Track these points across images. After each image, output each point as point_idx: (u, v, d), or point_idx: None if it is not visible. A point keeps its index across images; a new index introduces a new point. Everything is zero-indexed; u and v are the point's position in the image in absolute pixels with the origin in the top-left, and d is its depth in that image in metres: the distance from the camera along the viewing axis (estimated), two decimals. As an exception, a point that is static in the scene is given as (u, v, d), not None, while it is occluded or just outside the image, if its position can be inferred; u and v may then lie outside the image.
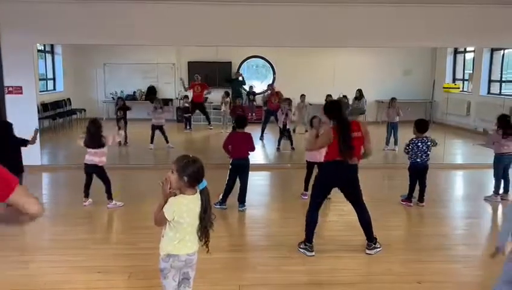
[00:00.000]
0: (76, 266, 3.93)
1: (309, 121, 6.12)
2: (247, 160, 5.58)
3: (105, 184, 5.66)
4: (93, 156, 5.54)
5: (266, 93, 11.88)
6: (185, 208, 2.59)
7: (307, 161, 6.04)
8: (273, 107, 10.97)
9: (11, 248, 4.33)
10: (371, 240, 4.25)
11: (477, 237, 5.00)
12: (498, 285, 2.91)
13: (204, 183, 2.64)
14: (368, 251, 4.22)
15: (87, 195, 5.73)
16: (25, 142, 5.24)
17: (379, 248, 4.25)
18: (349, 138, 3.98)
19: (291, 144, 9.55)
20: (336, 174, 4.13)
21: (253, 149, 5.63)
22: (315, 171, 5.98)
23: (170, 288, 2.71)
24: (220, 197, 5.57)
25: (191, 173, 2.58)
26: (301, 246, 4.26)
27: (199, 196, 2.64)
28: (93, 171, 5.62)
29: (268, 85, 12.44)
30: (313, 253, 4.19)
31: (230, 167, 5.58)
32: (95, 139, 5.49)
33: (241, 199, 5.61)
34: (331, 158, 4.10)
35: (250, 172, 5.64)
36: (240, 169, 5.54)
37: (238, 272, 3.88)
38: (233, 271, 3.90)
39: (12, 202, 1.72)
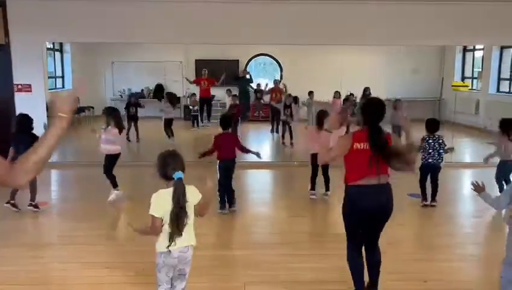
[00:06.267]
0: (84, 262, 3.97)
1: (316, 116, 5.97)
2: (234, 161, 5.43)
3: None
4: (106, 144, 5.72)
5: (267, 90, 12.04)
6: (164, 202, 2.63)
7: (311, 154, 5.84)
8: (275, 101, 11.16)
9: (20, 243, 4.38)
10: (376, 285, 3.35)
11: (484, 236, 4.97)
12: (504, 269, 2.93)
13: (178, 174, 2.60)
14: None
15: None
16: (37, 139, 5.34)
17: None
18: (384, 149, 3.00)
19: (291, 139, 9.73)
20: (364, 198, 3.08)
21: (240, 149, 5.45)
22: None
23: (163, 281, 2.76)
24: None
25: (158, 166, 2.66)
26: None
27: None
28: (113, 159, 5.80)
29: (274, 80, 12.49)
30: None
31: (219, 167, 5.41)
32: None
33: (230, 200, 5.44)
34: (352, 181, 3.10)
35: (255, 170, 5.62)
36: (226, 169, 5.40)
37: (243, 269, 3.90)
38: (238, 268, 3.92)
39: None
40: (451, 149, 5.78)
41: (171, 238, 2.62)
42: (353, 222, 3.21)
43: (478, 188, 3.15)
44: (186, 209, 2.62)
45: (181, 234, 2.62)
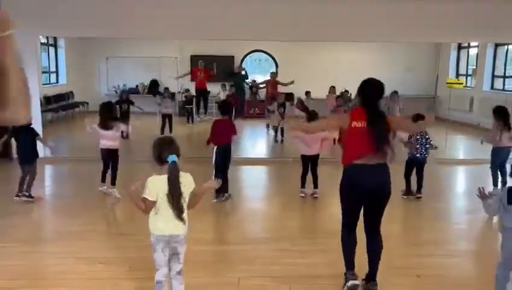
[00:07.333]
0: (78, 257, 3.96)
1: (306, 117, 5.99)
2: (230, 145, 5.54)
3: (113, 170, 5.73)
4: (107, 141, 5.64)
5: (263, 85, 12.12)
6: (157, 187, 2.67)
7: (301, 155, 5.83)
8: (271, 96, 11.14)
9: (13, 238, 4.36)
10: (375, 277, 3.33)
11: (477, 232, 5.01)
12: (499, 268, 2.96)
13: (171, 158, 2.64)
14: None
15: (103, 180, 5.79)
16: (37, 135, 5.55)
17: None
18: (381, 127, 3.07)
19: (282, 136, 9.76)
20: (360, 177, 3.13)
21: (235, 133, 5.57)
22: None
23: (161, 261, 2.80)
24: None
25: (153, 149, 2.71)
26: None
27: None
28: (109, 155, 5.70)
29: (271, 73, 12.51)
30: (356, 282, 3.34)
31: (216, 153, 5.47)
32: (109, 119, 5.66)
33: (224, 189, 5.47)
34: (349, 161, 3.17)
35: (249, 166, 5.62)
36: (224, 155, 5.48)
37: (237, 264, 3.91)
38: (233, 263, 3.93)
39: None
40: (435, 147, 5.93)
41: (178, 216, 2.67)
42: (349, 201, 3.25)
43: (483, 196, 3.15)
44: (181, 191, 2.67)
45: (182, 212, 2.67)
